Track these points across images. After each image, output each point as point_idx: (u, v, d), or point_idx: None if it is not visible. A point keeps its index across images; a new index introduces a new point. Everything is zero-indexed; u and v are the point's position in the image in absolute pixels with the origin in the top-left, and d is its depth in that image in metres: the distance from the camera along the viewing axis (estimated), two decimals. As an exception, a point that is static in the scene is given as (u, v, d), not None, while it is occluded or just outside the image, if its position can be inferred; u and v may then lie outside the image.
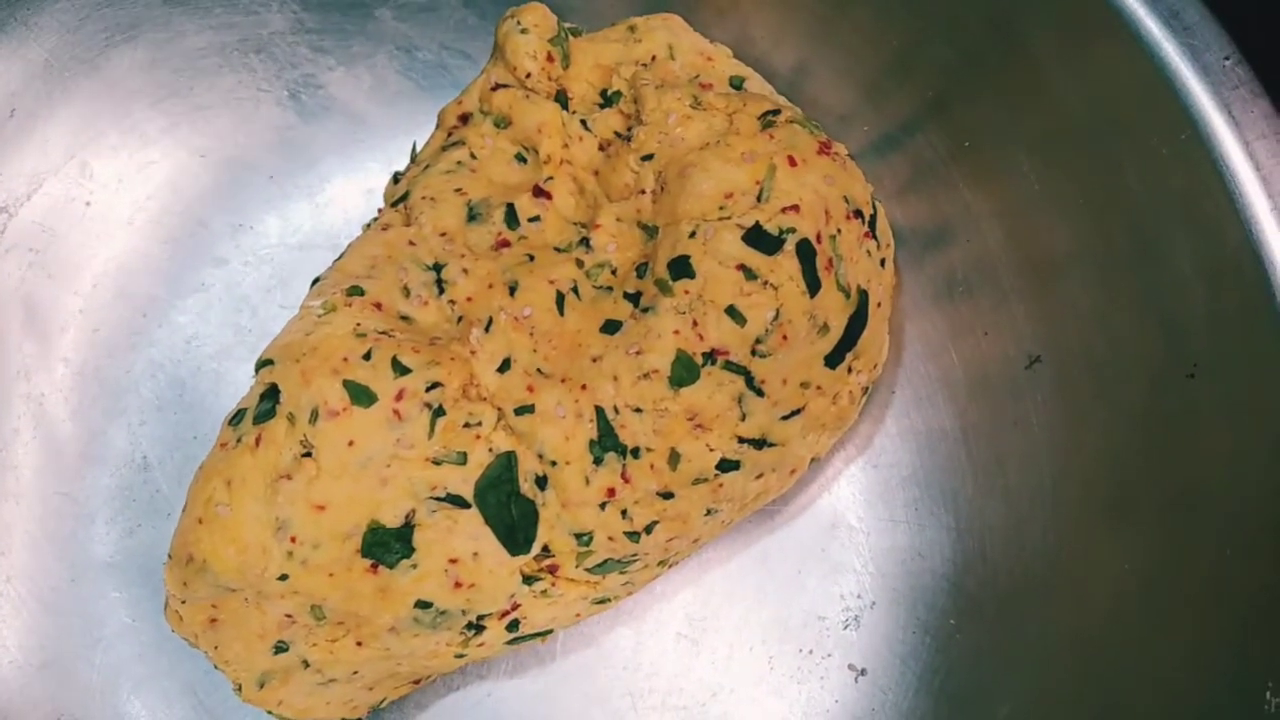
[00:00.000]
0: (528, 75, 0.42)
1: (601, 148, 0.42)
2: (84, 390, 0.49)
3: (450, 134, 0.43)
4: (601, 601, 0.41)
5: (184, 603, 0.37)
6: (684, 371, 0.37)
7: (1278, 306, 0.35)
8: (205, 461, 0.37)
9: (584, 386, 0.37)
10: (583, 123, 0.42)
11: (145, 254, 0.50)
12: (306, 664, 0.38)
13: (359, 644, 0.38)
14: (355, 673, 0.39)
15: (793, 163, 0.38)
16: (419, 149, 0.45)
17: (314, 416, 0.35)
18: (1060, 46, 0.39)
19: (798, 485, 0.46)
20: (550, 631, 0.41)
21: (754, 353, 0.37)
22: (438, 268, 0.40)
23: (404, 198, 0.42)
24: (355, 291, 0.39)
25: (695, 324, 0.37)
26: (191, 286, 0.50)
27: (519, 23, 0.42)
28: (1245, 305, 0.35)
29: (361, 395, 0.36)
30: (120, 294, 0.50)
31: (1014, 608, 0.42)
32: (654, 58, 0.43)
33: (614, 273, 0.40)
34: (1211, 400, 0.36)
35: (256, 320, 0.50)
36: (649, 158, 0.40)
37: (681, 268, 0.38)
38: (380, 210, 0.43)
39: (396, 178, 0.44)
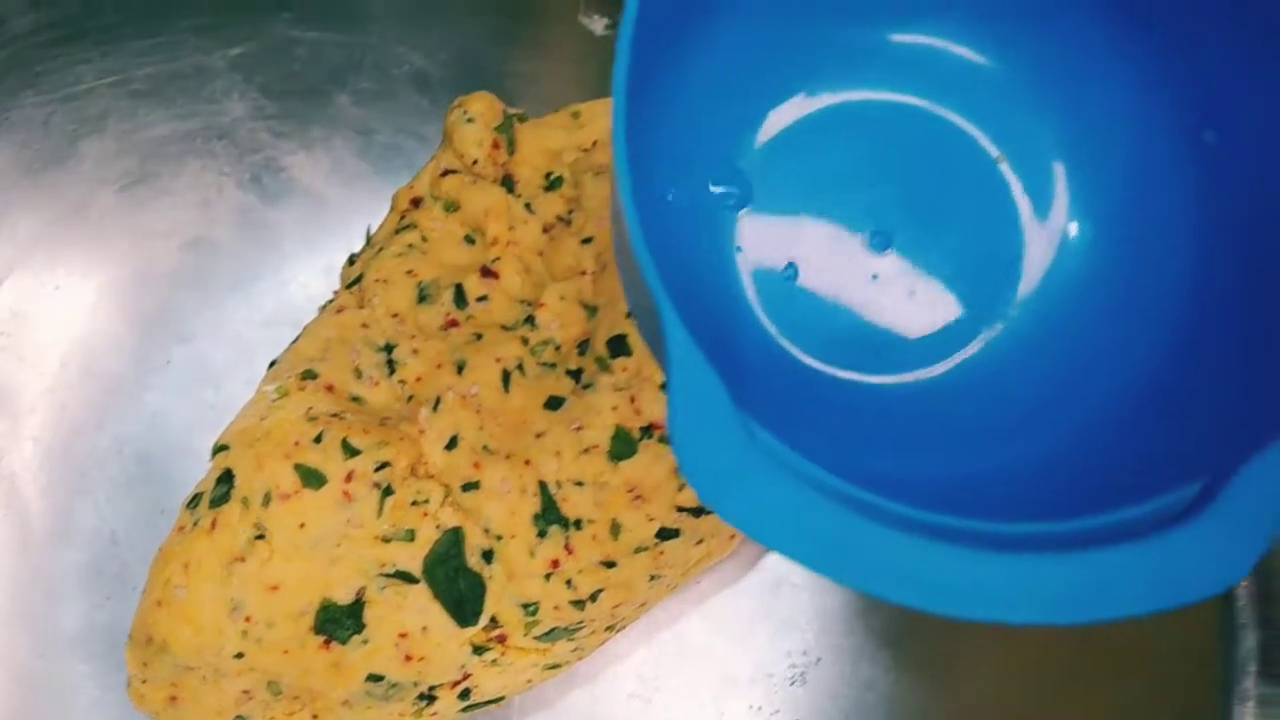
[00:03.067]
0: (475, 162, 0.44)
1: (546, 230, 0.44)
2: (52, 468, 0.50)
3: (403, 217, 0.45)
4: (553, 667, 0.43)
5: (145, 682, 0.38)
6: (622, 446, 0.39)
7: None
8: (164, 545, 0.38)
9: (528, 462, 0.39)
10: (527, 206, 0.44)
11: (112, 335, 0.52)
12: (265, 737, 0.40)
13: (314, 717, 0.39)
14: (313, 744, 0.40)
15: (723, 245, 0.40)
16: (373, 231, 0.47)
17: (267, 500, 0.37)
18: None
19: (746, 544, 0.47)
20: (504, 698, 0.43)
21: (689, 426, 0.39)
22: (389, 348, 0.41)
23: (358, 280, 0.44)
24: (309, 375, 0.40)
25: (633, 400, 0.39)
26: (157, 364, 0.52)
27: (466, 112, 0.44)
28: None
29: (312, 478, 0.37)
30: (87, 373, 0.51)
31: (951, 661, 0.44)
32: (595, 143, 0.45)
33: (558, 349, 0.42)
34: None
35: (221, 395, 0.52)
36: (589, 240, 0.42)
37: (619, 346, 0.39)
38: (335, 292, 0.45)
39: (352, 259, 0.46)
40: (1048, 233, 0.35)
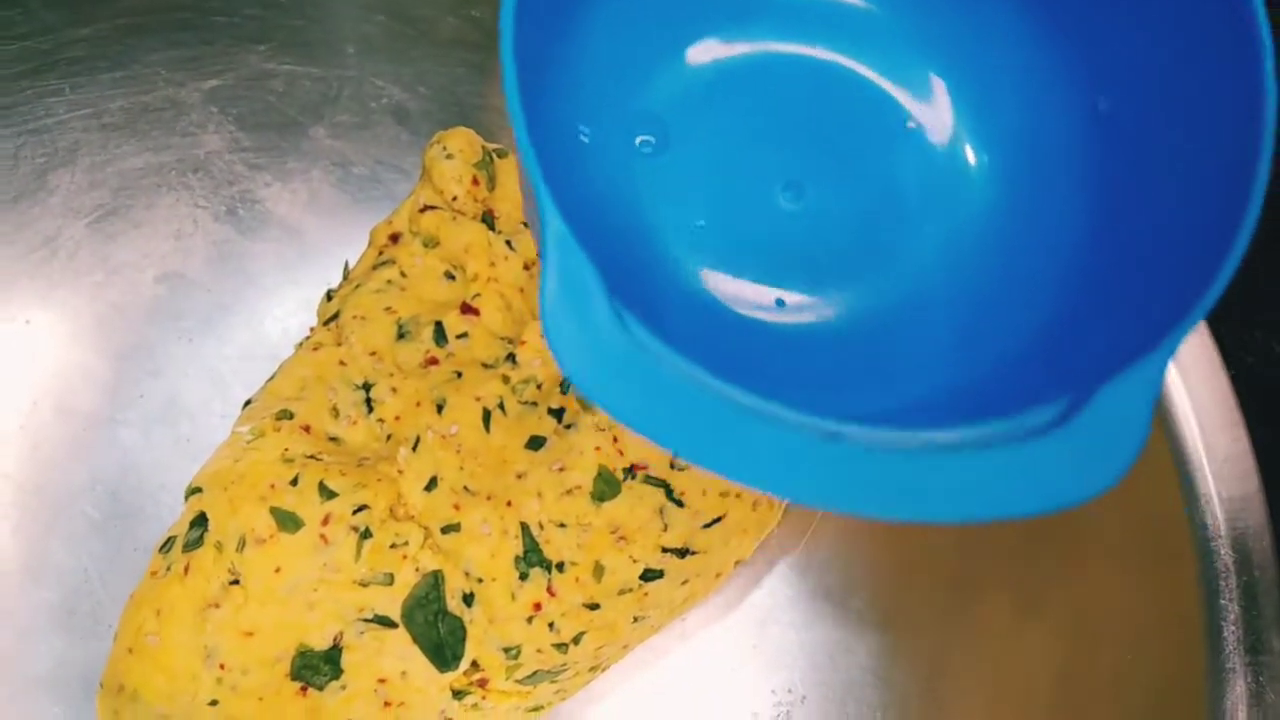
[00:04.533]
0: (454, 198, 0.44)
1: (527, 267, 0.43)
2: (25, 506, 0.49)
3: (381, 253, 0.45)
4: (535, 709, 0.42)
5: (116, 731, 0.37)
6: (605, 487, 0.38)
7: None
8: (135, 590, 0.37)
9: (509, 503, 0.39)
10: (508, 243, 0.44)
11: (85, 369, 0.51)
12: (240, 785, 0.39)
13: (291, 765, 0.38)
14: (289, 792, 0.40)
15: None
16: (351, 266, 0.46)
17: (241, 544, 0.36)
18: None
19: (730, 583, 0.47)
20: (484, 741, 0.42)
21: (673, 465, 0.39)
22: (367, 387, 0.41)
23: (335, 317, 0.43)
24: (284, 415, 0.40)
25: (615, 440, 0.39)
26: (131, 399, 0.51)
27: (445, 149, 0.44)
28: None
29: (288, 521, 0.37)
30: (60, 409, 0.50)
31: (936, 698, 0.44)
32: (576, 178, 0.45)
33: (539, 387, 0.41)
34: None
35: (196, 430, 0.51)
36: (569, 277, 0.41)
37: (601, 385, 0.39)
38: (312, 329, 0.44)
39: (329, 295, 0.45)
40: (950, 174, 0.36)
